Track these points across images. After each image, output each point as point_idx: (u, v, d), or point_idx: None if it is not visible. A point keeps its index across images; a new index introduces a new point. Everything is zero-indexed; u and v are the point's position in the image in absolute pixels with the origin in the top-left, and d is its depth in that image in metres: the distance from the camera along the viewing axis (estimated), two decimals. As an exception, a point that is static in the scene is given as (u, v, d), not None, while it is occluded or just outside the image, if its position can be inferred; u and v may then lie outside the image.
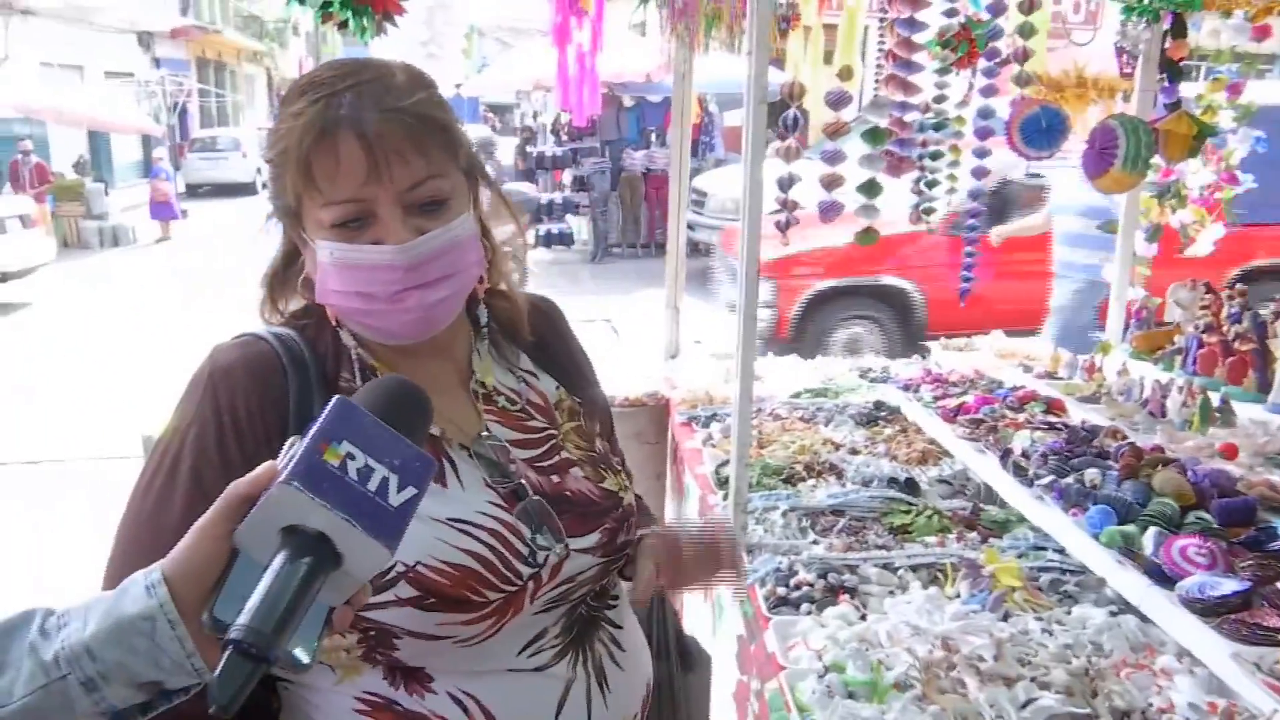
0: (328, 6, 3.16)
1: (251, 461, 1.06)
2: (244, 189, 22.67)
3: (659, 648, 1.40)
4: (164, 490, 1.06)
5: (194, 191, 22.45)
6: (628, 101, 13.54)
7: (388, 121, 1.03)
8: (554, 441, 1.23)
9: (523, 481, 1.15)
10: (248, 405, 1.07)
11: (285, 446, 0.85)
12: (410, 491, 0.82)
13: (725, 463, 2.98)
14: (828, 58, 3.67)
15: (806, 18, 3.62)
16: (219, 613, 0.78)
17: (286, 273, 1.17)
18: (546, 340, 1.31)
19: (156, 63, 24.46)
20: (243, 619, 0.74)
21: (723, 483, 2.86)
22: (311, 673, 1.08)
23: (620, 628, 1.25)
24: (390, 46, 4.63)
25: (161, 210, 17.26)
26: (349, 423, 0.82)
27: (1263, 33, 3.67)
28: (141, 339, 9.13)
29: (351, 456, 0.80)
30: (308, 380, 1.11)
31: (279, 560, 0.77)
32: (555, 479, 1.19)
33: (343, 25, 3.23)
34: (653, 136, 13.51)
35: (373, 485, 0.80)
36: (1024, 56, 2.89)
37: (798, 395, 3.75)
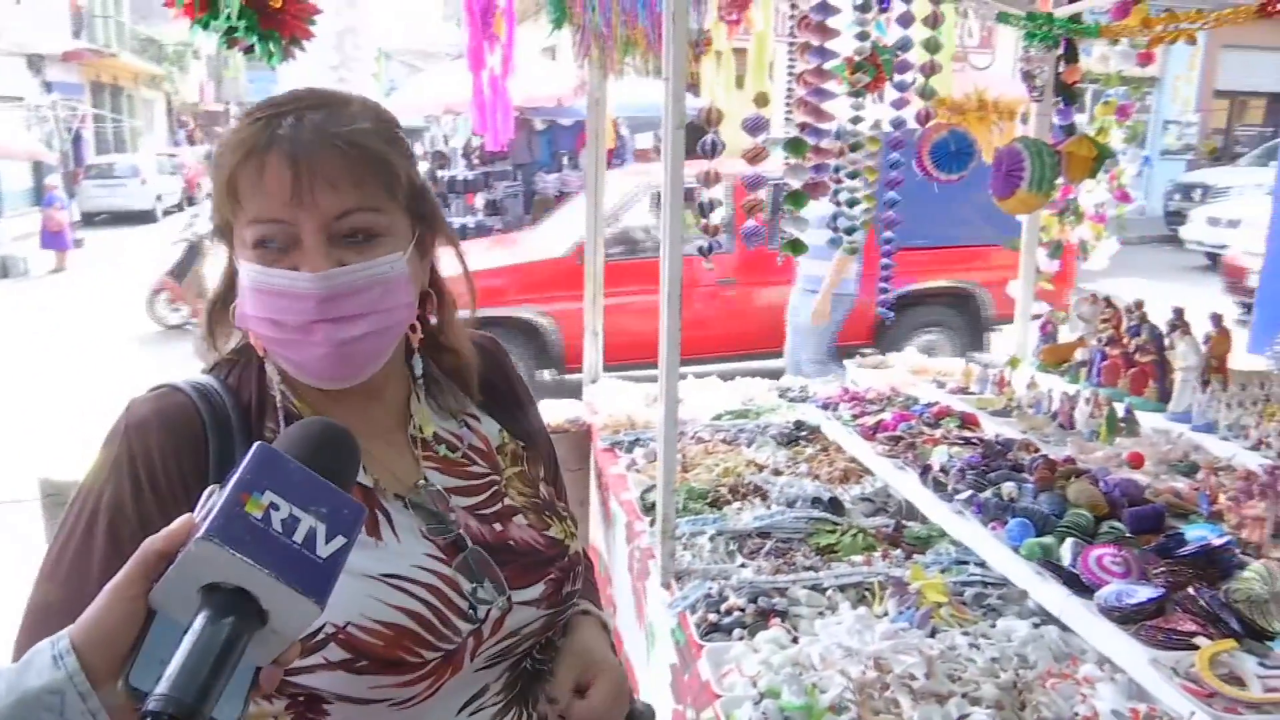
0: (233, 32, 3.07)
1: (170, 518, 1.01)
2: (143, 217, 21.89)
3: None
4: (79, 551, 0.99)
5: (90, 220, 21.59)
6: (539, 125, 13.54)
7: (322, 146, 1.00)
8: (496, 488, 1.18)
9: (462, 532, 1.10)
10: (164, 460, 1.02)
11: (203, 497, 0.80)
12: (340, 541, 0.78)
13: (650, 488, 2.97)
14: (739, 82, 3.72)
15: (717, 42, 3.65)
16: (136, 680, 0.73)
17: (226, 302, 1.11)
18: (492, 382, 1.26)
19: (48, 86, 23.54)
20: (162, 687, 0.69)
21: (649, 508, 2.84)
22: None
23: None
24: (299, 71, 4.53)
25: (54, 240, 16.54)
26: (271, 471, 0.77)
27: (1147, 59, 3.85)
28: (35, 376, 8.71)
29: (275, 507, 0.75)
30: (228, 432, 1.05)
31: (199, 621, 0.72)
32: (498, 527, 1.14)
33: (249, 50, 3.15)
34: (564, 160, 13.53)
35: (299, 537, 0.76)
36: (931, 70, 2.97)
37: (719, 417, 3.76)
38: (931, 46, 2.97)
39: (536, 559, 1.14)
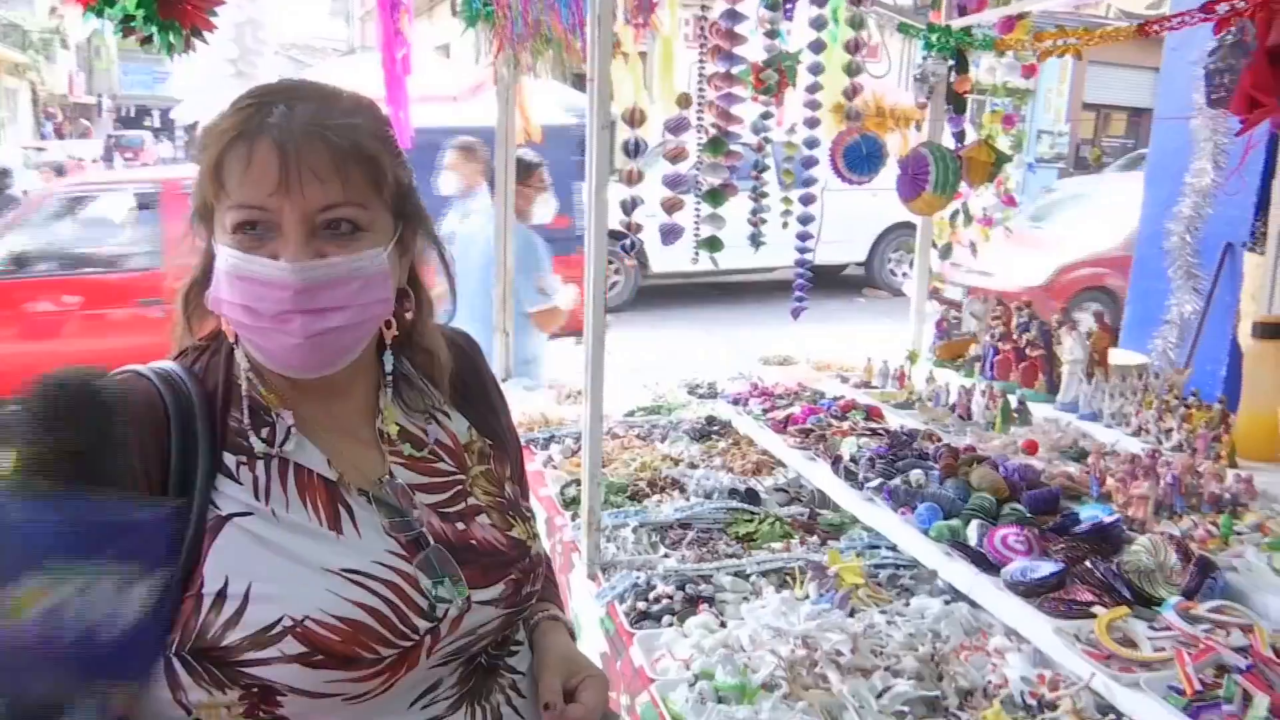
0: (129, 20, 2.96)
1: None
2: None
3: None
4: None
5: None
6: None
7: (311, 137, 1.00)
8: (461, 487, 1.18)
9: (424, 530, 1.10)
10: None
11: None
12: (141, 589, 0.64)
13: (569, 483, 3.00)
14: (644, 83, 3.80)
15: (625, 45, 3.71)
16: None
17: (204, 286, 1.10)
18: (464, 379, 1.27)
19: (-104, 74, 21.97)
20: None
21: (568, 503, 2.88)
22: None
23: (522, 674, 1.21)
24: (197, 64, 4.38)
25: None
26: (20, 545, 0.62)
27: (1030, 71, 4.10)
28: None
29: (41, 594, 0.61)
30: (190, 419, 1.04)
31: None
32: (460, 526, 1.14)
33: (147, 40, 3.04)
34: (462, 159, 13.42)
35: (79, 629, 0.61)
36: (854, 93, 3.10)
37: (632, 413, 3.82)
38: (851, 70, 3.11)
39: (498, 559, 1.15)
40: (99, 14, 2.94)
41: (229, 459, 1.04)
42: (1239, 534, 2.16)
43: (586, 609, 2.34)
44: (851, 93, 3.12)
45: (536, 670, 1.21)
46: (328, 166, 1.01)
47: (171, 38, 3.01)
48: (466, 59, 12.99)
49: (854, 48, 3.10)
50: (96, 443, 0.91)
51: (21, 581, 0.60)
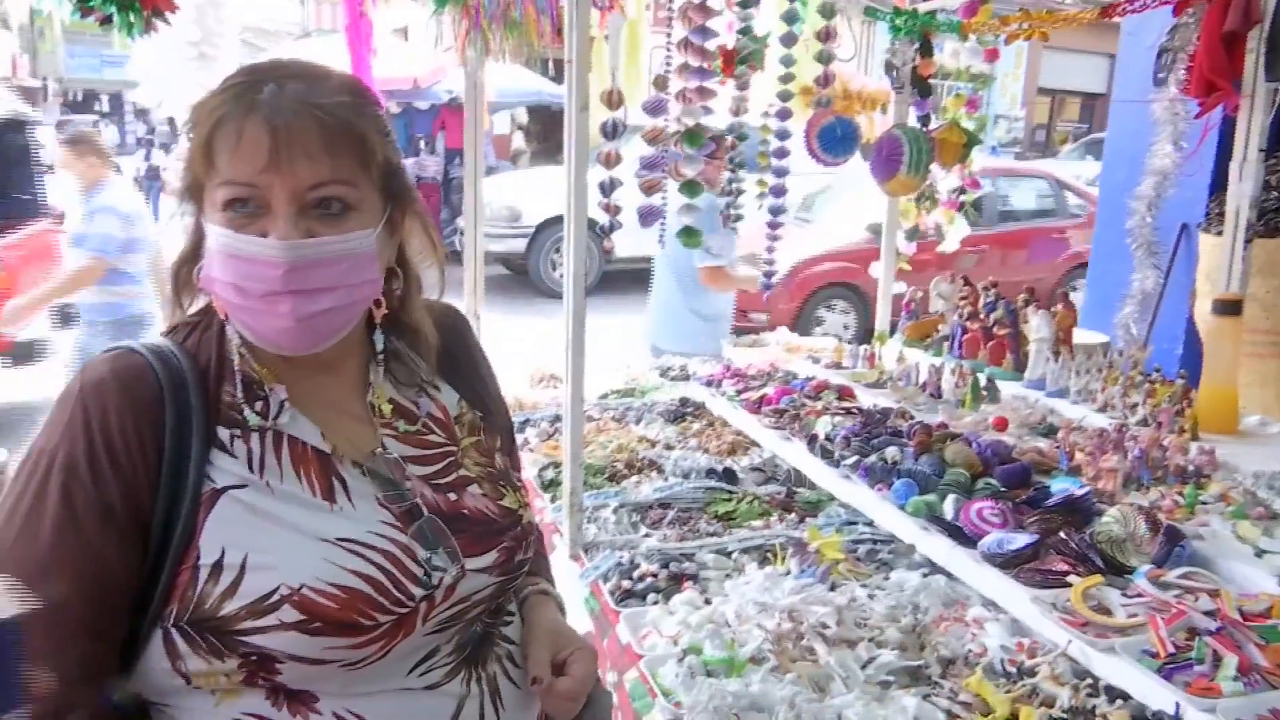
0: (87, 1, 2.91)
1: (124, 481, 1.01)
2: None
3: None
4: (30, 513, 0.98)
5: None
6: (395, 108, 13.23)
7: (301, 115, 1.01)
8: (452, 458, 1.20)
9: (417, 500, 1.12)
10: (120, 420, 1.00)
11: None
12: None
13: (546, 466, 3.01)
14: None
15: (590, 29, 3.70)
16: None
17: (193, 262, 1.10)
18: (452, 352, 1.28)
19: None
20: None
21: (547, 485, 2.89)
22: (189, 696, 1.02)
23: (516, 645, 1.23)
24: (156, 47, 4.29)
25: None
26: None
27: (993, 55, 4.15)
28: None
29: None
30: (185, 396, 1.04)
31: None
32: (452, 497, 1.16)
33: (106, 21, 2.99)
34: (421, 144, 13.27)
35: None
36: (827, 81, 3.13)
37: (605, 396, 3.84)
38: (824, 58, 3.13)
39: (490, 528, 1.17)
40: (56, -8, 2.89)
41: (223, 433, 1.05)
42: (1204, 504, 2.23)
43: (570, 589, 2.35)
44: (824, 80, 3.15)
45: (525, 645, 1.23)
46: (317, 144, 1.01)
47: (131, 18, 2.97)
48: (425, 42, 12.87)
49: (826, 36, 3.13)
50: None
51: None
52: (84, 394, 1.02)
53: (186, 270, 1.11)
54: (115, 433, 1.00)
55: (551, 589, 1.35)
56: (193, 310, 1.13)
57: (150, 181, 14.44)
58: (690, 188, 2.66)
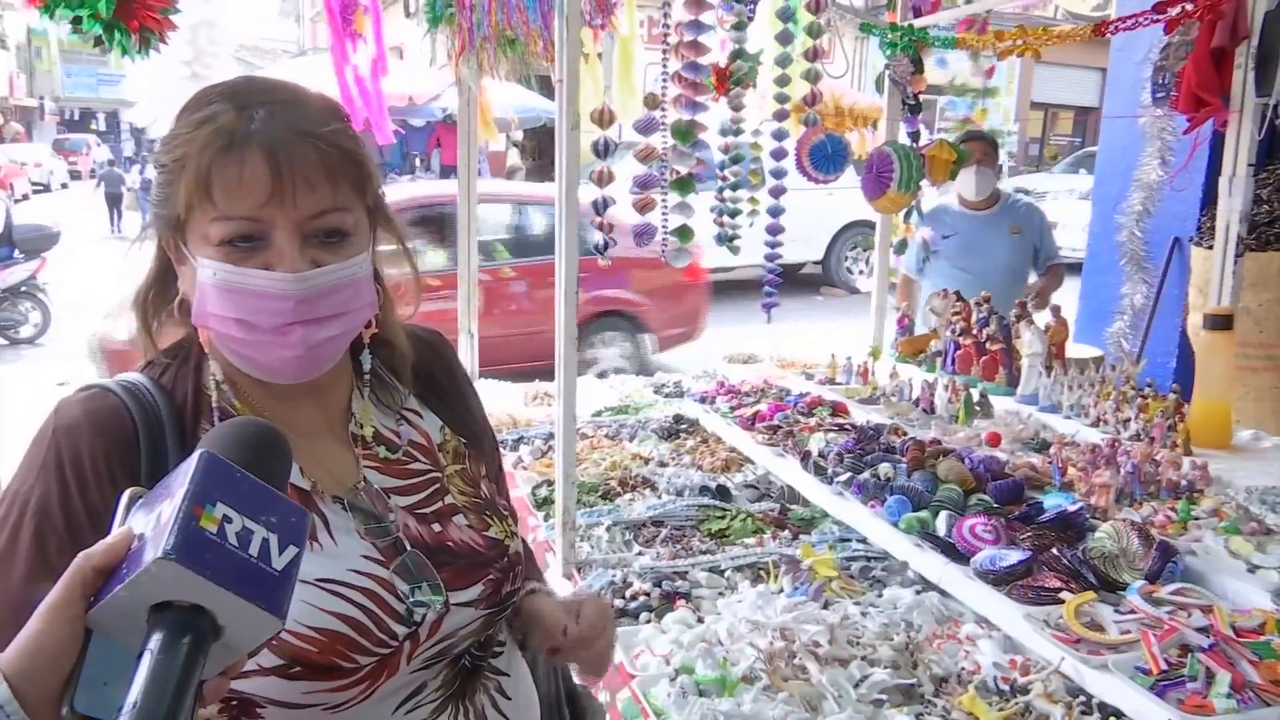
0: (79, 22, 2.92)
1: (98, 524, 0.96)
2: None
3: (549, 701, 1.34)
4: (3, 558, 0.95)
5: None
6: (390, 125, 13.28)
7: (300, 145, 0.98)
8: (436, 486, 1.17)
9: (400, 534, 1.09)
10: (94, 463, 0.98)
11: (122, 504, 0.76)
12: (292, 551, 0.75)
13: (540, 484, 3.01)
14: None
15: (585, 46, 3.72)
16: (83, 706, 0.68)
17: (162, 295, 1.08)
18: (434, 376, 1.26)
19: None
20: (127, 714, 0.64)
21: (540, 503, 2.88)
22: None
23: (507, 675, 1.20)
24: (152, 66, 4.31)
25: None
26: (220, 480, 0.73)
27: (990, 72, 4.18)
28: None
29: (228, 519, 0.71)
30: (160, 434, 1.02)
31: (155, 643, 0.68)
32: (437, 528, 1.13)
33: (99, 42, 3.00)
34: (417, 161, 13.31)
35: (254, 550, 0.72)
36: (813, 100, 3.14)
37: (599, 414, 3.84)
38: (812, 76, 3.14)
39: (476, 560, 1.14)
40: (49, 14, 2.90)
41: None
42: (1197, 519, 2.23)
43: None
44: (812, 99, 3.17)
45: (533, 629, 1.23)
46: (319, 175, 1.00)
47: (120, 38, 2.98)
48: (421, 61, 12.91)
49: (814, 55, 3.14)
50: None
51: (210, 508, 0.71)
52: (57, 437, 1.00)
53: (156, 301, 1.09)
54: (89, 475, 0.98)
55: (544, 586, 1.33)
56: (164, 345, 1.11)
57: (145, 195, 14.50)
58: (681, 185, 2.66)
